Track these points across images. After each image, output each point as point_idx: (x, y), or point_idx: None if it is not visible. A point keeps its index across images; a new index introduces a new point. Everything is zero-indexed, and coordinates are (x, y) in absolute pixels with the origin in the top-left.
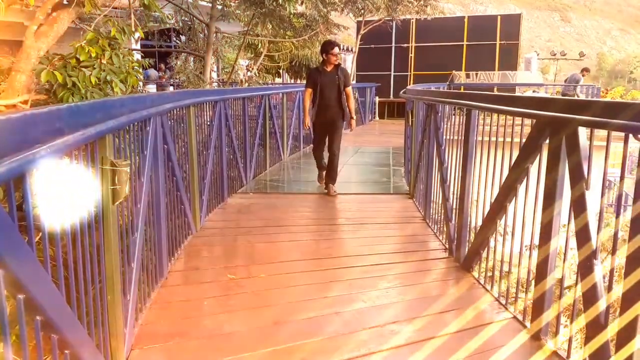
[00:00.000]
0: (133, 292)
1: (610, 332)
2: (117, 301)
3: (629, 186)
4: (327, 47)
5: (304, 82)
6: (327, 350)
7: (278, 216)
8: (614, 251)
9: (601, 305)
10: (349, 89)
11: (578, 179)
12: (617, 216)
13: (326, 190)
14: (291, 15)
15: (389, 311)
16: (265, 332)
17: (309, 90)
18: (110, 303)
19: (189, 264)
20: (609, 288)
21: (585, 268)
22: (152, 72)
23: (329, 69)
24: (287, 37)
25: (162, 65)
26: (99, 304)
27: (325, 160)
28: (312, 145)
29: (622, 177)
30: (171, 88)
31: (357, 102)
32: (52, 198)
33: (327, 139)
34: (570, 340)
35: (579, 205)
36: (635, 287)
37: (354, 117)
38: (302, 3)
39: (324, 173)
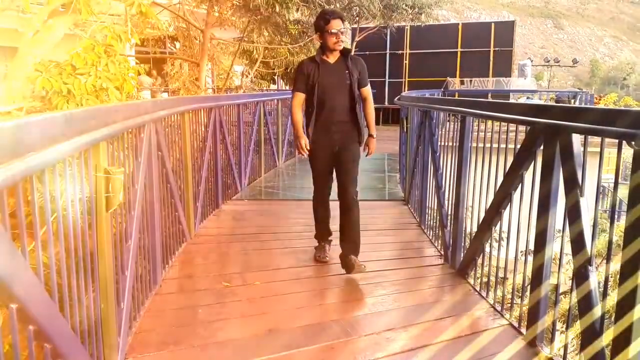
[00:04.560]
0: (127, 301)
1: (606, 338)
2: (111, 310)
3: (623, 193)
4: (321, 20)
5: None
6: (322, 358)
7: (273, 223)
8: (608, 257)
9: (596, 311)
10: (368, 90)
11: (572, 185)
12: (612, 222)
13: (343, 267)
14: (288, 22)
15: (385, 318)
16: (260, 340)
17: (299, 95)
18: (103, 311)
19: (183, 271)
20: (604, 294)
21: (580, 274)
22: (146, 79)
23: (331, 59)
24: (282, 43)
25: (154, 72)
26: (93, 313)
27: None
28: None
29: (616, 184)
30: (165, 94)
31: None
32: (45, 205)
33: (334, 176)
34: (566, 347)
35: (573, 212)
36: (631, 293)
37: (374, 135)
38: (297, 10)
39: (326, 235)
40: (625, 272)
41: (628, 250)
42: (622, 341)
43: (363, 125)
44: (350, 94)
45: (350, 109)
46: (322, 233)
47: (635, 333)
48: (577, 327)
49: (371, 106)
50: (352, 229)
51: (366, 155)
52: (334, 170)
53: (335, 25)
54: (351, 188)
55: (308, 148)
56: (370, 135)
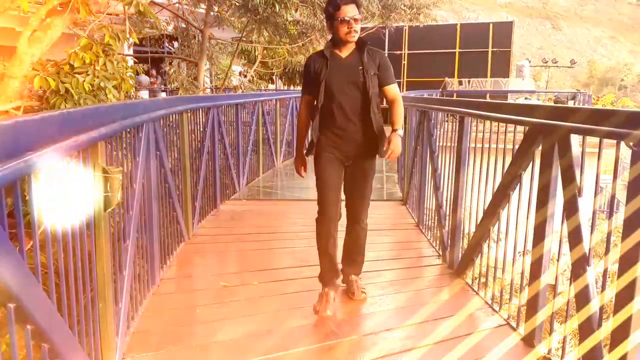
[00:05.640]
0: (125, 300)
1: (603, 336)
2: (109, 309)
3: (621, 194)
4: (330, 6)
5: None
6: (320, 357)
7: (271, 223)
8: (607, 250)
9: (593, 310)
10: (393, 90)
11: (570, 185)
12: (610, 217)
13: (344, 282)
14: (287, 23)
15: (383, 318)
16: (258, 339)
17: (307, 99)
18: (101, 311)
19: (181, 271)
20: (603, 289)
21: (577, 274)
22: (144, 78)
23: (343, 52)
24: (282, 43)
25: (154, 72)
26: (91, 312)
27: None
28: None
29: (614, 184)
30: (163, 94)
31: None
32: (43, 205)
33: (343, 195)
34: (563, 346)
35: (571, 212)
36: (627, 292)
37: (400, 132)
38: (296, 10)
39: (332, 275)
40: (623, 270)
41: (625, 247)
42: (619, 340)
43: (382, 133)
44: (364, 92)
45: (364, 113)
46: (326, 272)
47: (633, 327)
48: (575, 325)
49: (399, 106)
50: (356, 251)
51: (387, 157)
52: (343, 188)
53: (348, 11)
54: (362, 214)
55: (304, 169)
56: (393, 131)
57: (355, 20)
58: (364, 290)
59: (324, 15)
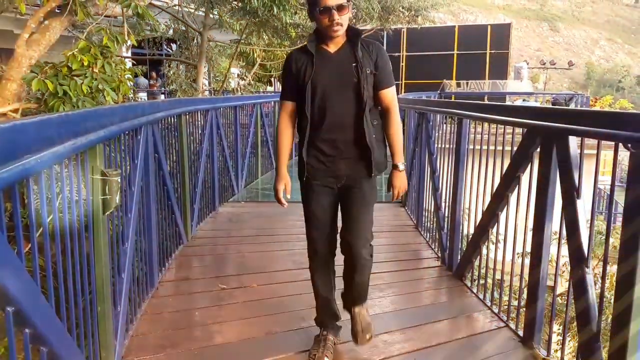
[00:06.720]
0: (123, 303)
1: (602, 339)
2: (107, 312)
3: (618, 194)
4: None
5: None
6: None
7: (270, 225)
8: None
9: (593, 313)
10: (390, 94)
11: (569, 187)
12: (609, 224)
13: (350, 321)
14: (287, 26)
15: (382, 321)
16: (257, 343)
17: (288, 106)
18: (100, 314)
19: (179, 274)
20: (601, 295)
21: (576, 276)
22: (142, 80)
23: (332, 47)
24: (281, 46)
25: (154, 74)
26: (89, 315)
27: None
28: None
29: (612, 186)
30: (162, 96)
31: None
32: (41, 208)
33: (338, 226)
34: (562, 348)
35: (570, 213)
36: (627, 294)
37: (401, 167)
38: (295, 13)
39: (330, 319)
40: (621, 287)
41: (623, 266)
42: (619, 342)
43: (380, 146)
44: (358, 97)
45: (358, 121)
46: (324, 316)
47: (631, 345)
48: (575, 328)
49: (396, 121)
50: (360, 279)
51: (392, 200)
52: (336, 223)
53: None
54: (364, 249)
55: (288, 197)
56: (394, 167)
57: (341, 9)
58: (370, 331)
59: (308, 7)
